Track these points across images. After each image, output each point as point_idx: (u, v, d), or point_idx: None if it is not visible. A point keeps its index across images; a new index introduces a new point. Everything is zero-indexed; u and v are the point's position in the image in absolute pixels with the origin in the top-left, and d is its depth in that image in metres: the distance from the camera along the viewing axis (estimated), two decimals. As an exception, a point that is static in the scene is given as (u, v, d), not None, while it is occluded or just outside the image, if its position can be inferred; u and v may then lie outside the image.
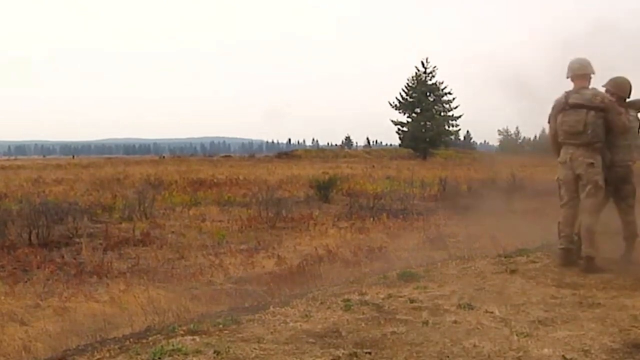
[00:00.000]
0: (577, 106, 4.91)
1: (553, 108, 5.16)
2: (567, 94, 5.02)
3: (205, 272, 7.58)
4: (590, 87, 5.03)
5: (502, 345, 3.03)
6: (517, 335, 3.20)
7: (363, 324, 3.41)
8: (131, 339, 3.36)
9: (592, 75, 5.07)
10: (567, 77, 5.10)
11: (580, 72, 5.02)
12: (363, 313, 3.65)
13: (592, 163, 4.88)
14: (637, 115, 5.26)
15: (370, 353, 2.92)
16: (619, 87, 5.20)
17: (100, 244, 9.69)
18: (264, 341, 3.10)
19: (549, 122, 5.27)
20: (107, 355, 3.05)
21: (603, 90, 5.12)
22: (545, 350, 2.97)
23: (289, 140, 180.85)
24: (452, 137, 59.78)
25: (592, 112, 4.85)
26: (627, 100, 5.23)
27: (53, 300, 6.15)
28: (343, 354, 2.90)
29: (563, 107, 5.01)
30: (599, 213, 5.11)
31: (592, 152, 4.89)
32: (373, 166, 36.47)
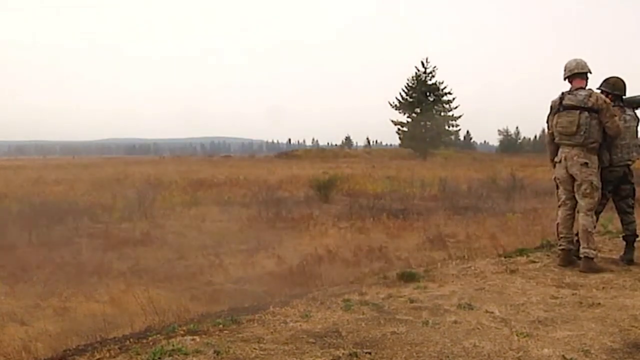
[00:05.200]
0: (570, 107, 4.91)
1: (550, 109, 5.16)
2: (562, 95, 5.02)
3: (205, 272, 7.59)
4: (587, 87, 5.03)
5: (502, 345, 3.03)
6: (517, 335, 3.20)
7: (363, 324, 3.41)
8: (131, 339, 3.36)
9: (589, 74, 5.06)
10: (564, 79, 5.08)
11: (577, 71, 5.00)
12: (363, 313, 3.64)
13: (586, 163, 4.88)
14: (635, 114, 5.25)
15: (370, 353, 2.92)
16: (614, 86, 5.21)
17: (100, 244, 9.70)
18: (264, 341, 3.10)
19: (547, 123, 5.27)
20: (107, 355, 3.05)
21: (598, 92, 5.11)
22: (545, 350, 2.97)
23: (289, 140, 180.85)
24: (452, 137, 59.80)
25: (586, 113, 4.85)
26: (625, 97, 5.23)
27: (53, 300, 6.16)
28: (343, 354, 2.90)
29: (558, 108, 5.02)
30: (597, 213, 5.11)
31: (587, 153, 4.90)
32: (373, 166, 36.47)
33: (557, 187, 5.19)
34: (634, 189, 5.20)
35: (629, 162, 5.12)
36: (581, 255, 4.89)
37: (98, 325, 5.11)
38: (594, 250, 4.89)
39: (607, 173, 5.05)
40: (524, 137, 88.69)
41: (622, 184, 5.16)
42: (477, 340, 3.12)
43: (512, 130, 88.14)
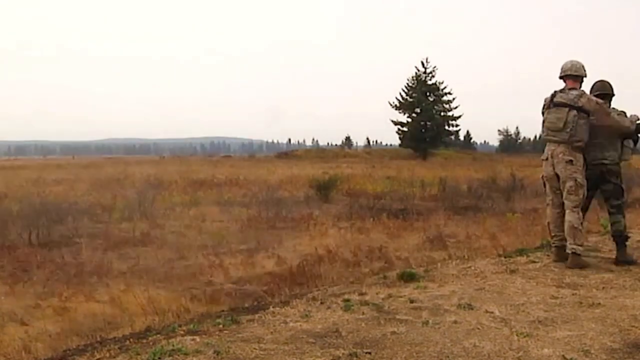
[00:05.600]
0: (560, 105, 5.00)
1: (543, 107, 5.24)
2: (554, 93, 5.11)
3: (205, 272, 7.59)
4: (580, 89, 5.10)
5: (502, 345, 3.03)
6: (517, 335, 3.20)
7: (363, 324, 3.41)
8: (131, 339, 3.35)
9: (583, 78, 5.15)
10: (560, 77, 5.17)
11: (571, 73, 5.10)
12: (363, 313, 3.64)
13: (570, 160, 4.96)
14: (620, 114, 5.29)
15: (370, 353, 2.92)
16: (601, 88, 5.32)
17: (100, 244, 9.70)
18: (264, 341, 3.10)
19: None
20: (107, 355, 3.05)
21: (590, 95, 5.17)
22: (545, 350, 2.97)
23: (289, 140, 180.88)
24: (452, 137, 59.82)
25: (574, 112, 4.92)
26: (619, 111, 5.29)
27: (53, 300, 6.16)
28: (343, 354, 2.90)
29: (548, 105, 5.11)
30: (584, 210, 5.18)
31: (572, 150, 4.97)
32: (373, 166, 36.50)
33: (545, 185, 5.27)
34: (617, 190, 5.19)
35: (606, 162, 5.13)
36: (568, 252, 4.96)
37: (98, 325, 5.12)
38: (580, 246, 4.97)
39: (587, 171, 5.11)
40: (524, 137, 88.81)
41: (602, 184, 5.19)
42: (477, 340, 3.12)
43: (512, 130, 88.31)
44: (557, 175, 5.04)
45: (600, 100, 5.06)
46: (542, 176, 5.25)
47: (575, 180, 4.95)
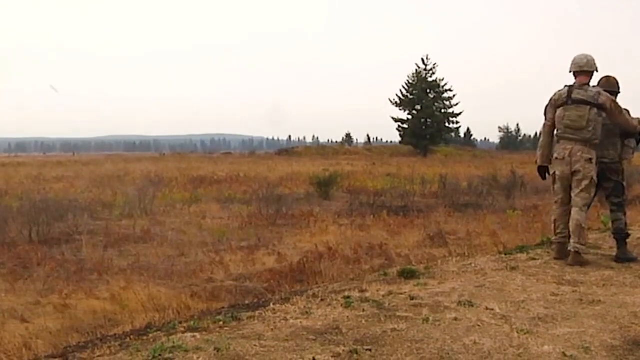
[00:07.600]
0: (580, 102, 4.93)
1: (551, 100, 5.15)
2: (570, 89, 5.02)
3: (205, 269, 7.58)
4: (591, 84, 5.07)
5: (503, 342, 3.03)
6: (517, 332, 3.20)
7: (363, 321, 3.41)
8: (132, 336, 3.36)
9: (595, 73, 5.11)
10: (570, 71, 5.10)
11: (585, 69, 5.03)
12: (363, 310, 3.64)
13: (590, 159, 4.95)
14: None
15: (370, 350, 2.92)
16: (606, 84, 5.28)
17: (101, 241, 9.70)
18: (265, 338, 3.10)
19: (545, 115, 5.27)
20: (108, 352, 3.05)
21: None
22: (546, 347, 2.97)
23: (290, 137, 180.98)
24: (453, 134, 59.82)
25: (595, 110, 4.90)
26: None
27: (53, 297, 6.16)
28: (343, 350, 2.90)
29: (565, 101, 5.01)
30: (588, 208, 5.19)
31: (590, 149, 4.97)
32: (373, 163, 36.49)
33: (554, 183, 5.23)
34: (618, 187, 5.19)
35: (604, 160, 5.13)
36: (571, 249, 4.95)
37: (98, 322, 5.13)
38: (584, 245, 4.99)
39: None
40: (525, 134, 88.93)
41: (603, 182, 5.19)
42: (477, 337, 3.12)
43: (512, 128, 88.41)
44: (572, 174, 5.00)
45: (614, 99, 5.05)
46: (554, 174, 5.18)
47: (592, 178, 4.95)
